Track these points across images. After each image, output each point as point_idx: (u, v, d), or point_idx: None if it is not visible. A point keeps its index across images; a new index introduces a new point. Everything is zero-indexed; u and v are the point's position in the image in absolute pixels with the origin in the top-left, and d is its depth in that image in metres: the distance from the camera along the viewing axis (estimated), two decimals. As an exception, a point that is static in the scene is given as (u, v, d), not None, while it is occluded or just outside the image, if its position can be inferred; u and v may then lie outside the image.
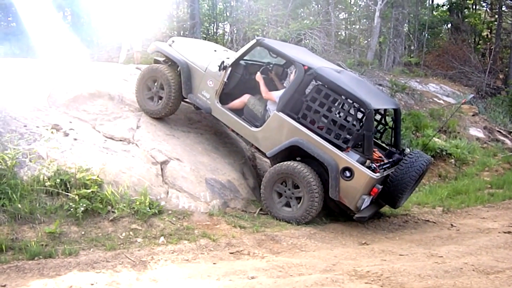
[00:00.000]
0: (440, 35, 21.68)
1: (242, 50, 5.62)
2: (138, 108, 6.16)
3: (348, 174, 4.93)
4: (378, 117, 6.02)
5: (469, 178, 8.37)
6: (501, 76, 17.27)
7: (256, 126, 5.50)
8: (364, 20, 19.99)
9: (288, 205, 5.27)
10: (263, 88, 5.58)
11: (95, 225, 4.27)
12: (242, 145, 6.69)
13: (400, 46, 17.44)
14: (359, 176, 4.88)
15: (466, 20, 19.85)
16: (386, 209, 6.41)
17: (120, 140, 5.50)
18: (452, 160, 9.05)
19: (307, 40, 12.57)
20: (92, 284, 3.37)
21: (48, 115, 5.49)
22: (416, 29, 18.95)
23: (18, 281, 3.32)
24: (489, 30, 21.26)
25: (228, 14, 18.61)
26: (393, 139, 6.01)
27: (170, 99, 5.84)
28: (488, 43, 20.27)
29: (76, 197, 4.27)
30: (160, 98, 5.94)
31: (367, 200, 4.99)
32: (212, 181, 5.46)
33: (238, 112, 5.69)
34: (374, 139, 5.79)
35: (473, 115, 12.46)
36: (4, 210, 4.00)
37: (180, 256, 4.01)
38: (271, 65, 6.25)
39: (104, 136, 5.48)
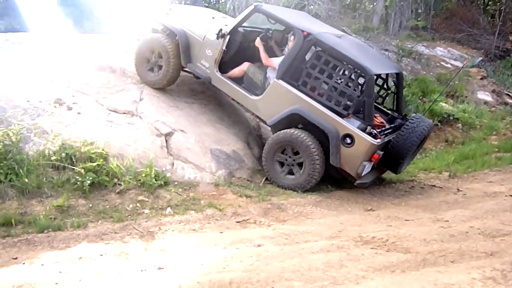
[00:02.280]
0: (448, -3, 21.08)
1: (240, 17, 5.52)
2: (140, 80, 6.10)
3: (349, 141, 4.92)
4: (380, 82, 5.94)
5: (476, 142, 8.29)
6: (511, 38, 16.83)
7: (256, 95, 5.44)
8: (370, -17, 19.44)
9: (291, 172, 5.28)
10: (263, 54, 5.48)
11: (102, 197, 4.31)
12: (247, 115, 6.64)
13: (406, 10, 16.95)
14: (360, 143, 4.87)
15: (475, -20, 19.21)
16: (392, 176, 6.40)
17: (124, 113, 5.48)
18: (460, 125, 8.93)
19: (311, 6, 12.28)
20: (101, 255, 3.44)
21: (51, 89, 5.45)
22: (423, -9, 18.42)
23: (29, 253, 3.39)
24: (499, -10, 20.60)
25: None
26: (395, 104, 5.95)
27: (169, 68, 5.77)
28: (498, 3, 19.66)
29: (82, 170, 4.29)
30: (160, 67, 5.86)
31: (368, 167, 4.99)
32: (217, 151, 5.46)
33: (238, 80, 5.62)
34: (376, 104, 5.77)
35: (481, 79, 12.21)
36: (12, 185, 4.05)
37: (187, 226, 4.06)
38: (270, 31, 6.12)
39: (108, 109, 5.46)
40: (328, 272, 3.14)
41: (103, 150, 4.59)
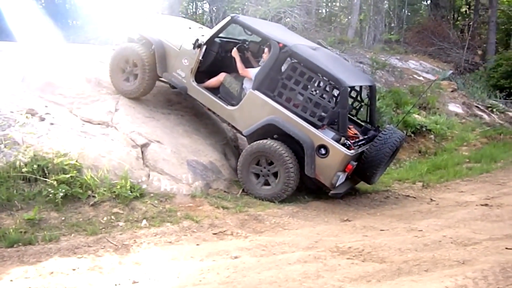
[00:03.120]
0: (420, 12, 21.72)
1: (216, 28, 5.55)
2: (115, 91, 6.03)
3: (323, 151, 4.99)
4: (354, 94, 6.05)
5: (448, 153, 8.52)
6: (479, 52, 17.43)
7: (233, 105, 5.47)
8: (344, -3, 19.88)
9: (267, 183, 5.30)
10: (239, 64, 5.53)
11: (75, 210, 4.21)
12: (224, 125, 6.64)
13: (380, 23, 17.40)
14: (334, 154, 4.94)
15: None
16: (367, 186, 6.49)
17: (99, 124, 5.39)
18: (432, 136, 9.17)
19: (288, 19, 12.44)
20: (74, 269, 3.34)
21: (23, 99, 5.33)
22: (396, 6, 18.93)
23: (-3, 269, 3.27)
24: (467, 6, 21.36)
25: (207, -7, 18.25)
26: (368, 115, 6.05)
27: (145, 77, 5.73)
28: (467, 19, 20.38)
29: (55, 182, 4.19)
30: (135, 77, 5.81)
31: (342, 177, 5.06)
32: (194, 162, 5.42)
33: (214, 90, 5.64)
34: (350, 115, 5.88)
35: (452, 91, 12.59)
36: (-20, 198, 3.92)
37: (163, 239, 4.00)
38: (247, 42, 6.17)
39: (82, 120, 5.36)
40: (305, 283, 3.14)
41: (76, 161, 4.50)
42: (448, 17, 19.30)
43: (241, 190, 5.42)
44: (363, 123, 6.12)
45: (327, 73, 5.09)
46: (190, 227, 4.29)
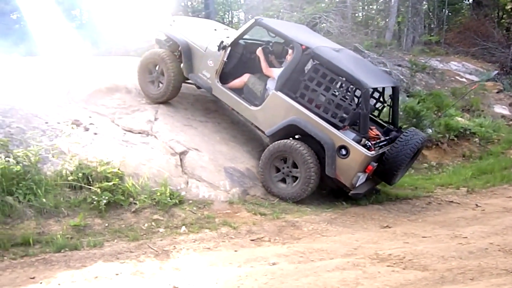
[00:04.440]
0: (461, 11, 20.98)
1: (241, 30, 5.68)
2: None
3: (344, 152, 5.03)
4: (377, 95, 6.06)
5: (494, 157, 8.15)
6: (527, 51, 16.64)
7: (256, 105, 5.58)
8: (381, 0, 19.55)
9: (283, 181, 5.36)
10: (263, 64, 5.64)
11: (118, 216, 4.35)
12: (260, 133, 6.67)
13: (419, 25, 16.99)
14: (355, 154, 4.98)
15: (488, -7, 19.16)
16: (408, 192, 6.33)
17: (139, 133, 5.57)
18: (477, 139, 8.81)
19: (323, 24, 12.38)
20: (117, 274, 3.45)
21: (68, 111, 5.59)
22: (436, 6, 18.40)
23: (46, 273, 3.42)
24: (513, 3, 20.46)
25: (242, 2, 18.48)
26: (391, 116, 6.05)
27: (170, 82, 5.92)
28: (512, 16, 19.53)
29: (98, 190, 4.35)
30: (161, 82, 6.02)
31: (362, 177, 5.08)
32: (231, 169, 5.48)
33: (238, 91, 5.77)
34: (372, 116, 5.96)
35: (497, 92, 12.08)
36: (30, 205, 4.11)
37: (201, 245, 4.06)
38: (271, 43, 6.29)
39: (123, 129, 5.56)
40: (344, 291, 3.10)
41: (118, 169, 4.65)
42: (492, 16, 18.55)
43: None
44: (385, 124, 6.11)
45: (349, 75, 5.11)
46: (228, 233, 4.33)
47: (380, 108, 6.18)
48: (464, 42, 16.53)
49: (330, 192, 5.83)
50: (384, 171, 5.32)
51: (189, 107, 6.45)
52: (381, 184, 6.41)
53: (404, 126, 7.73)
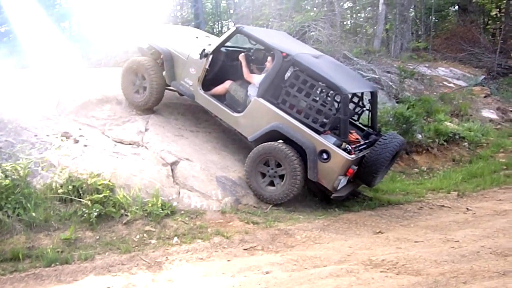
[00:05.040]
0: (448, 18, 21.28)
1: (222, 38, 5.76)
2: (145, 111, 6.20)
3: (325, 156, 5.14)
4: (356, 99, 6.20)
5: (484, 160, 8.22)
6: (512, 55, 16.89)
7: (238, 112, 5.65)
8: (369, 7, 19.73)
9: (272, 184, 5.41)
10: (245, 69, 5.74)
11: (109, 229, 4.31)
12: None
13: (407, 32, 17.15)
14: (336, 158, 5.09)
15: (473, 0, 19.48)
16: (400, 197, 6.36)
17: (130, 144, 5.54)
18: (466, 144, 8.88)
19: (312, 32, 12.45)
20: (108, 287, 3.41)
21: (58, 123, 5.56)
22: (423, 13, 18.64)
23: (36, 288, 3.38)
24: (498, 9, 20.81)
25: (232, 11, 18.57)
26: (370, 120, 6.19)
27: (153, 89, 5.96)
28: (498, 22, 19.83)
29: (89, 202, 4.32)
30: (145, 89, 6.04)
31: (343, 181, 5.21)
32: (223, 178, 5.47)
33: (220, 98, 5.84)
34: (352, 120, 6.13)
35: (485, 97, 12.22)
36: (20, 219, 4.07)
37: (194, 255, 4.03)
38: (252, 50, 6.39)
39: (114, 140, 5.53)
40: (338, 298, 3.09)
41: (109, 181, 4.63)
42: (478, 22, 18.83)
43: (271, 205, 5.41)
44: (365, 128, 6.25)
45: (328, 81, 5.23)
46: (221, 243, 4.31)
47: (359, 112, 6.35)
48: (451, 48, 16.76)
49: (322, 199, 5.84)
50: (364, 173, 5.44)
51: (180, 117, 6.44)
52: (372, 190, 6.46)
53: (396, 131, 7.81)
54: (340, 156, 5.06)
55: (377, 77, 10.79)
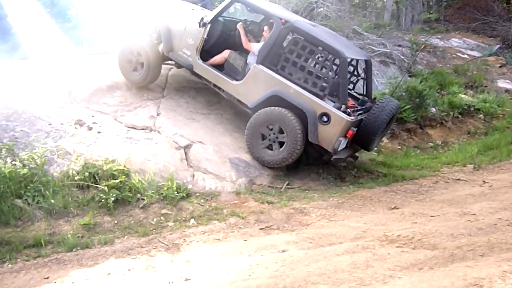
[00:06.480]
0: (460, -13, 20.72)
1: (220, 7, 5.77)
2: (156, 96, 6.22)
3: (325, 119, 5.24)
4: (351, 69, 6.23)
5: (500, 132, 8.09)
6: (528, 23, 16.40)
7: (237, 80, 5.68)
8: (378, -20, 19.31)
9: (270, 148, 5.49)
10: (243, 38, 5.76)
11: (126, 213, 4.39)
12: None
13: (417, 3, 16.73)
14: (336, 120, 5.20)
15: (486, -33, 18.87)
16: (415, 172, 6.32)
17: (142, 129, 5.58)
18: (481, 115, 8.73)
19: (320, 8, 12.25)
20: (129, 270, 3.50)
21: (71, 111, 5.61)
22: (434, -17, 18.18)
23: (59, 272, 3.48)
24: (512, -25, 20.14)
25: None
26: (365, 89, 6.27)
27: (149, 62, 5.96)
28: (512, -12, 19.23)
29: (106, 188, 4.39)
30: (142, 65, 6.04)
31: (343, 142, 5.31)
32: (236, 160, 5.49)
33: (219, 67, 5.86)
34: (348, 90, 6.10)
35: (500, 67, 11.93)
36: (40, 207, 4.16)
37: (211, 236, 4.09)
38: (248, 22, 6.41)
39: (126, 126, 5.57)
40: (355, 274, 3.12)
41: (124, 166, 4.68)
42: (491, -11, 18.28)
43: (285, 184, 5.43)
44: (360, 97, 6.33)
45: (327, 46, 5.32)
46: (237, 223, 4.36)
47: (354, 81, 6.42)
48: (464, 18, 16.31)
49: (336, 177, 5.84)
50: (363, 136, 5.54)
51: (191, 100, 6.44)
52: (387, 166, 6.42)
53: (407, 107, 7.73)
54: (340, 118, 5.17)
55: (389, 51, 10.62)
